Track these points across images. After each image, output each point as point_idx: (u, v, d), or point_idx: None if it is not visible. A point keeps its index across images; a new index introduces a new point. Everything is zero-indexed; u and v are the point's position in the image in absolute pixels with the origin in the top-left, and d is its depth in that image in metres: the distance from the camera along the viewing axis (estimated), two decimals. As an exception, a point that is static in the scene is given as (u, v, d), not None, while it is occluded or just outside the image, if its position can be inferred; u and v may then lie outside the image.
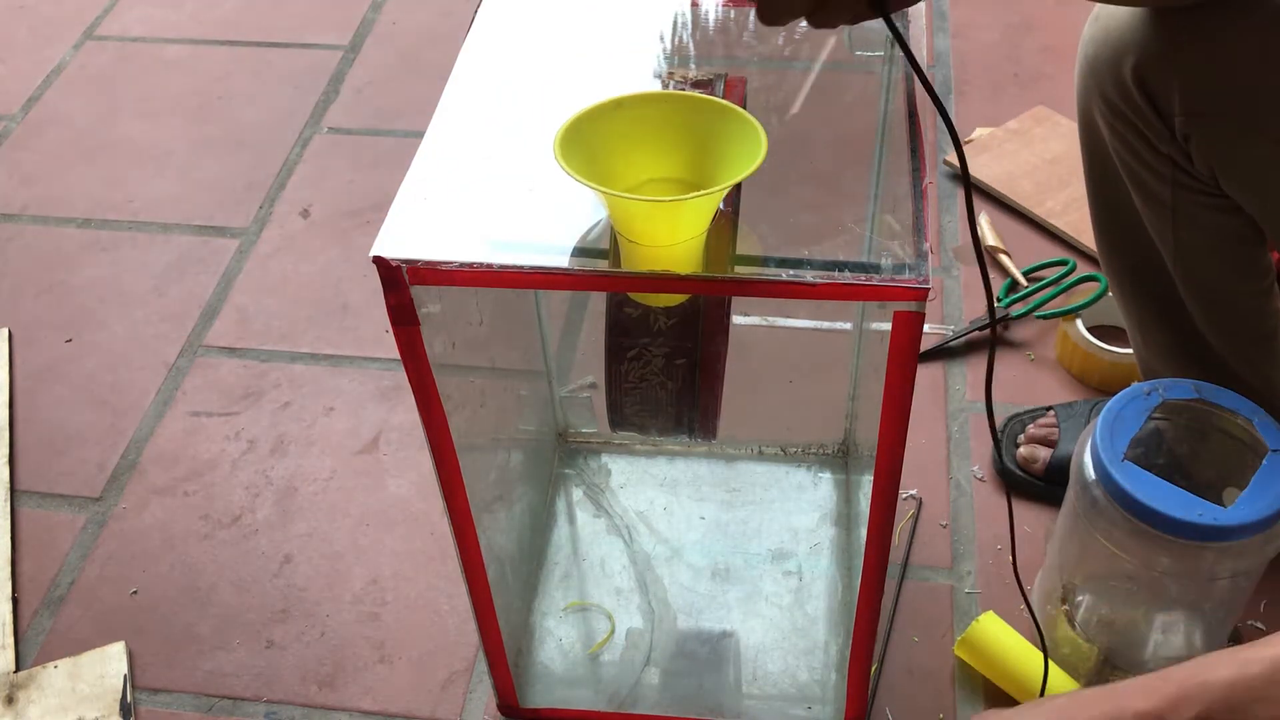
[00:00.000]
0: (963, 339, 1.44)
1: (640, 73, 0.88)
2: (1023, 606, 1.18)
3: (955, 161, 1.64)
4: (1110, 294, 1.22)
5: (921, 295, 0.71)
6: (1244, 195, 0.95)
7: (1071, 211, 1.58)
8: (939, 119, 0.70)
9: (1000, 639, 1.11)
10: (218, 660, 1.20)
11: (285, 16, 2.09)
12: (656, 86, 0.87)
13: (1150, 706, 0.72)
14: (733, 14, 0.95)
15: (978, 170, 1.65)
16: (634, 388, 0.91)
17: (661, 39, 0.94)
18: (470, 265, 0.72)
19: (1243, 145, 0.91)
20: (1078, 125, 1.07)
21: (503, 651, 1.05)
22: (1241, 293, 1.09)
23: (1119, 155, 1.00)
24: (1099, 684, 1.10)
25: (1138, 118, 0.95)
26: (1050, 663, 1.10)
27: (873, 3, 0.70)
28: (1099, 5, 0.98)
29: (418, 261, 0.73)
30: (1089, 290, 1.44)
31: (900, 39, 0.70)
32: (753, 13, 0.73)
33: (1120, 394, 1.03)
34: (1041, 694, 1.09)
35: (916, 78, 0.78)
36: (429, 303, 0.78)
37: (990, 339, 0.81)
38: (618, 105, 0.75)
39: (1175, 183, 0.97)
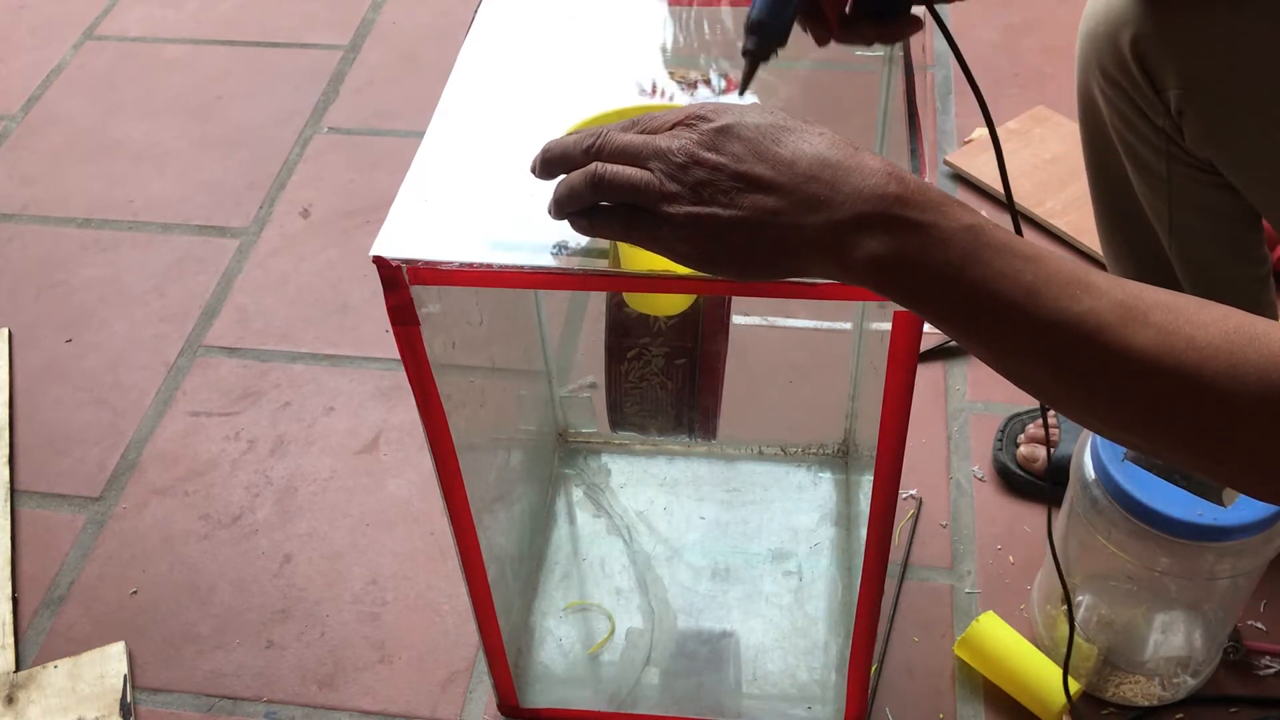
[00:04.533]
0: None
1: (640, 73, 0.88)
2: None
3: (955, 162, 1.65)
4: None
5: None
6: (1234, 171, 0.96)
7: (1071, 211, 1.58)
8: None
9: (1000, 639, 1.11)
10: (218, 660, 1.20)
11: (285, 16, 2.09)
12: (656, 86, 0.87)
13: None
14: (732, 14, 0.95)
15: (977, 170, 1.65)
16: (634, 388, 0.91)
17: (661, 39, 0.94)
18: (470, 265, 0.72)
19: (1234, 121, 0.92)
20: (1077, 99, 1.08)
21: (503, 651, 1.05)
22: (1238, 276, 1.10)
23: (1115, 129, 1.02)
24: (1099, 685, 1.11)
25: (1134, 90, 0.97)
26: (1050, 662, 1.10)
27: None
28: None
29: (418, 261, 0.73)
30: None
31: (942, 25, 0.72)
32: (750, 12, 0.73)
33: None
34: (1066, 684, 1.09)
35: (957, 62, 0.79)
36: (429, 303, 0.78)
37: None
38: (620, 116, 0.75)
39: (1170, 156, 0.98)
